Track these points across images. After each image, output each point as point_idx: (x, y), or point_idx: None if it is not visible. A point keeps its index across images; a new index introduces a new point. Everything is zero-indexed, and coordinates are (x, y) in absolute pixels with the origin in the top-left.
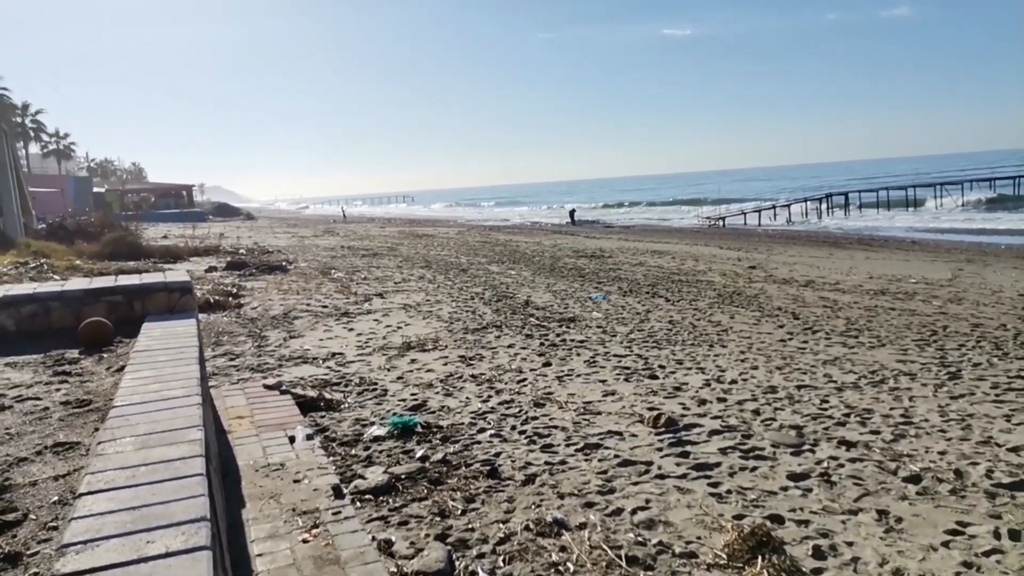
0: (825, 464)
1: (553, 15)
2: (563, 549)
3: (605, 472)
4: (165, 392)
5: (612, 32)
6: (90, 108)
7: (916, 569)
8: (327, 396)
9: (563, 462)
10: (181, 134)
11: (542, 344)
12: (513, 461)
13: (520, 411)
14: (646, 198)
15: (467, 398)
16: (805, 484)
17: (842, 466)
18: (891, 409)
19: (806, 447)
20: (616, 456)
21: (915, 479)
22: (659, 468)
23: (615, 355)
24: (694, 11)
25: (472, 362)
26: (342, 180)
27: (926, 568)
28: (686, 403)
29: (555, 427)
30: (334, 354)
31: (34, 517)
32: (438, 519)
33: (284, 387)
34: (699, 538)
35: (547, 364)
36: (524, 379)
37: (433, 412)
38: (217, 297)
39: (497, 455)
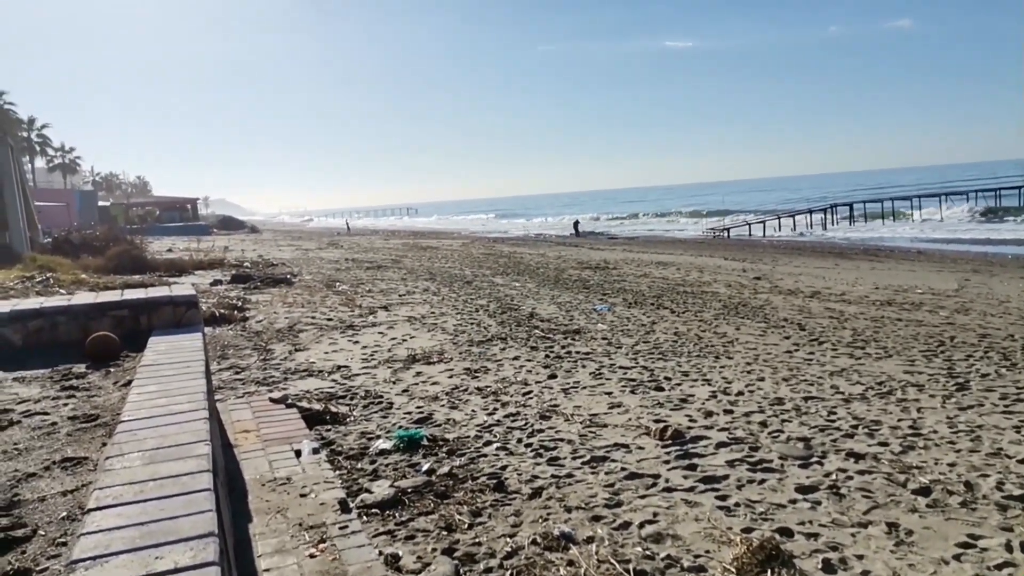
0: (834, 476)
1: (554, 28)
2: (571, 563)
3: (612, 485)
4: (172, 406)
5: (614, 44)
6: (96, 122)
7: None
8: (333, 409)
9: (570, 475)
10: (186, 148)
11: (547, 356)
12: (519, 474)
13: (526, 424)
14: (650, 209)
15: (473, 411)
16: (814, 497)
17: (851, 478)
18: (899, 420)
19: (814, 459)
20: (623, 469)
21: (925, 491)
22: (666, 481)
23: (621, 367)
24: (696, 24)
25: (477, 374)
26: (346, 193)
27: None
28: (692, 415)
29: (561, 440)
30: (339, 367)
31: (43, 533)
32: (445, 533)
33: (290, 400)
34: (707, 552)
35: (552, 376)
36: (530, 391)
37: (439, 425)
38: (222, 310)
39: (503, 468)
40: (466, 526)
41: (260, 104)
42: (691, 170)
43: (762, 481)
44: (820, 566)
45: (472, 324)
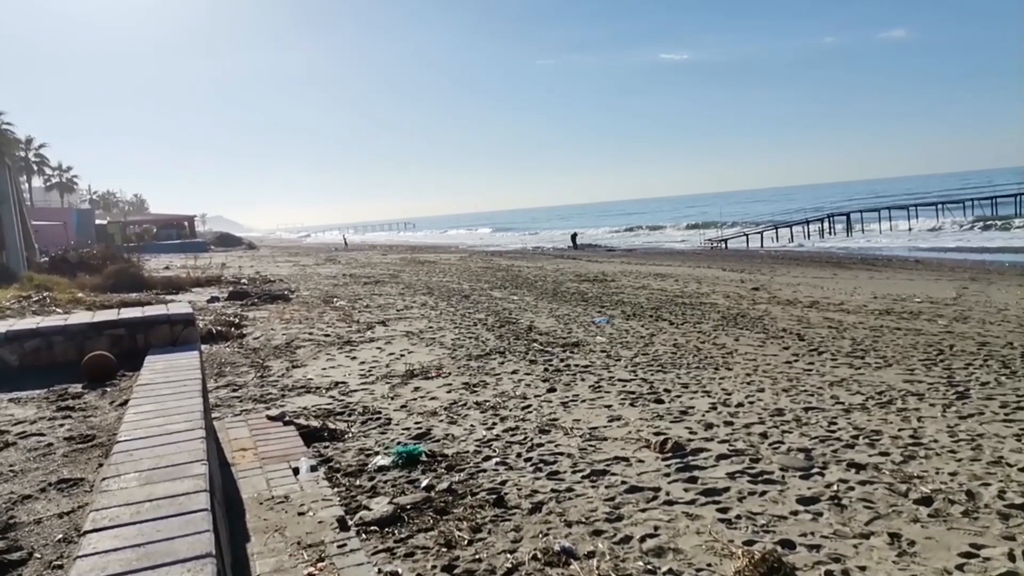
0: (835, 487)
1: (552, 42)
2: None
3: (612, 499)
4: (168, 426)
5: (610, 58)
6: (93, 141)
7: None
8: (331, 426)
9: (570, 489)
10: (182, 165)
11: (546, 370)
12: (519, 489)
13: (525, 438)
14: (647, 221)
15: (472, 426)
16: (815, 508)
17: (852, 489)
18: (900, 430)
19: (815, 470)
20: (623, 482)
21: (927, 501)
22: (667, 494)
23: (620, 380)
24: (692, 36)
25: (476, 389)
26: (343, 208)
27: None
28: (692, 427)
29: (561, 454)
30: (337, 383)
31: (39, 556)
32: (444, 550)
33: (287, 418)
34: (709, 565)
35: (551, 390)
36: (529, 405)
37: (437, 440)
38: (219, 328)
39: (503, 483)
40: (466, 542)
41: (257, 121)
42: (688, 182)
43: (763, 493)
44: None
45: (470, 338)
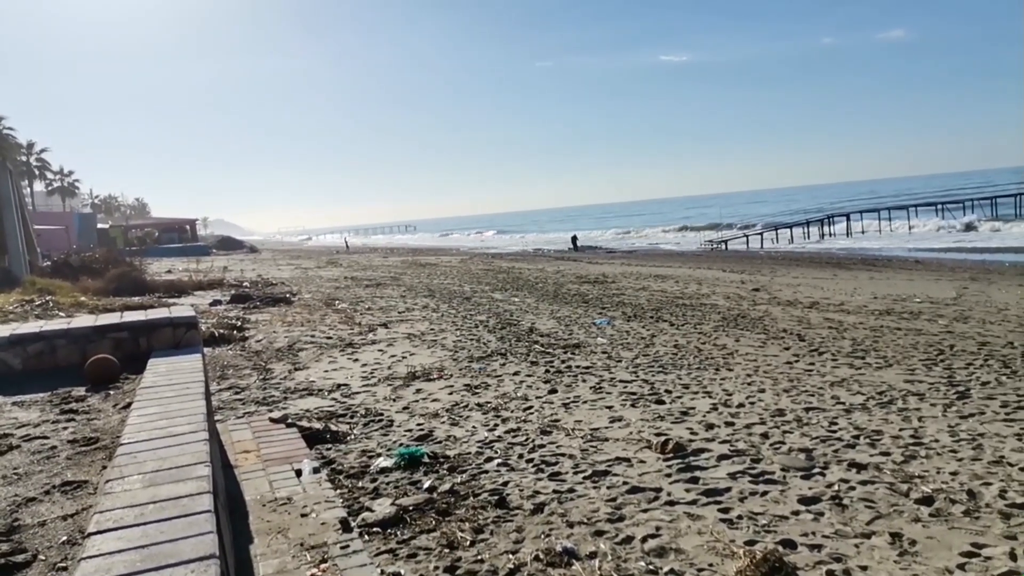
0: (836, 487)
1: (551, 44)
2: None
3: (614, 499)
4: (172, 428)
5: (609, 59)
6: (94, 145)
7: None
8: (333, 428)
9: (571, 490)
10: (184, 169)
11: (547, 371)
12: (521, 490)
13: (527, 439)
14: (647, 223)
15: (473, 427)
16: (816, 508)
17: (853, 489)
18: (900, 430)
19: (816, 470)
20: (625, 483)
21: (928, 501)
22: (668, 494)
23: (621, 380)
24: (691, 37)
25: (478, 391)
26: (345, 211)
27: None
28: (694, 428)
29: (562, 455)
30: (339, 385)
31: (43, 558)
32: (447, 551)
33: (290, 420)
34: (711, 565)
35: (553, 391)
36: (530, 407)
37: (439, 442)
38: (222, 331)
39: (505, 484)
40: (468, 543)
41: (258, 125)
42: (688, 183)
43: (764, 493)
44: None
45: (472, 340)
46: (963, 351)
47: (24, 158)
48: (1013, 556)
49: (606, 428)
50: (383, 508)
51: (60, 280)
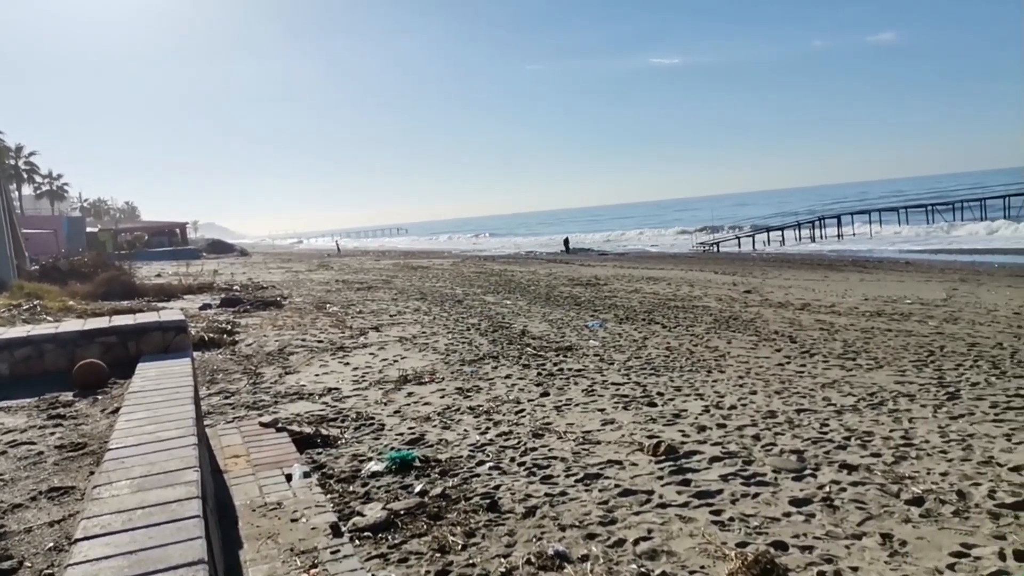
0: (827, 488)
1: (542, 47)
2: None
3: (606, 502)
4: (160, 433)
5: (601, 62)
6: (83, 149)
7: None
8: (324, 432)
9: (563, 493)
10: (174, 172)
11: (539, 374)
12: (513, 493)
13: (519, 442)
14: (639, 225)
15: (465, 431)
16: (808, 509)
17: (844, 490)
18: (891, 431)
19: (807, 472)
20: (617, 486)
21: (918, 501)
22: (660, 497)
23: (613, 383)
24: (682, 40)
25: (469, 394)
26: (336, 214)
27: None
28: (686, 430)
29: (554, 458)
30: (330, 389)
31: (29, 565)
32: (438, 555)
33: (280, 424)
34: (703, 567)
35: (545, 394)
36: (522, 410)
37: (431, 446)
38: (212, 335)
39: (497, 488)
40: (460, 547)
41: (248, 128)
42: (679, 185)
43: (756, 495)
44: None
45: (463, 343)
46: (953, 352)
47: (12, 161)
48: (1002, 556)
49: (598, 431)
50: (374, 512)
51: (48, 284)
